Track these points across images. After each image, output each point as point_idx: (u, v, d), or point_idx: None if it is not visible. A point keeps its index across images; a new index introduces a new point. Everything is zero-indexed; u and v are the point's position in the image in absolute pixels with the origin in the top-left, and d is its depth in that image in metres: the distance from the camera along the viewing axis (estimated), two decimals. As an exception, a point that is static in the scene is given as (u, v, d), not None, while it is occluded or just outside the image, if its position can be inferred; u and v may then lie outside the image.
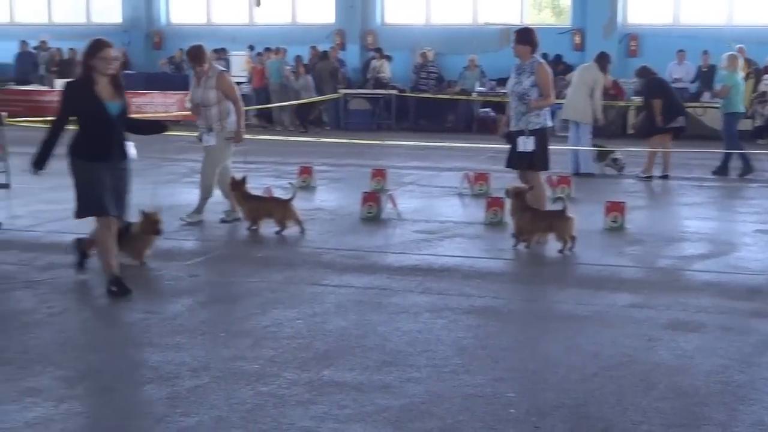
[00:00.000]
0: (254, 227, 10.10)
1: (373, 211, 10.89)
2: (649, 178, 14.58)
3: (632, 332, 6.57)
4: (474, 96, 22.95)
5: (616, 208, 10.41)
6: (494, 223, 10.37)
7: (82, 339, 6.54)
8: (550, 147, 9.97)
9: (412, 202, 12.05)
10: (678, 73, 21.97)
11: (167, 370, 5.76)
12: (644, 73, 15.31)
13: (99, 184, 7.28)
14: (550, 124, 10.03)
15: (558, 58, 22.88)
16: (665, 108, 14.70)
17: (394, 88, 23.55)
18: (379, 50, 24.59)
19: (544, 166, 9.91)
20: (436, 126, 22.64)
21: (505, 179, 10.24)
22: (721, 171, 15.08)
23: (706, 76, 22.16)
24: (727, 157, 15.09)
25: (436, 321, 6.83)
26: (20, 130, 15.43)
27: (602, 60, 15.18)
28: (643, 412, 5.10)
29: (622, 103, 21.61)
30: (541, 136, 9.70)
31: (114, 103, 7.31)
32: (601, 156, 15.17)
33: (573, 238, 9.06)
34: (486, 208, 10.66)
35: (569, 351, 6.18)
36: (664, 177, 14.65)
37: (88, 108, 7.27)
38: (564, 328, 6.75)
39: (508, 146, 9.98)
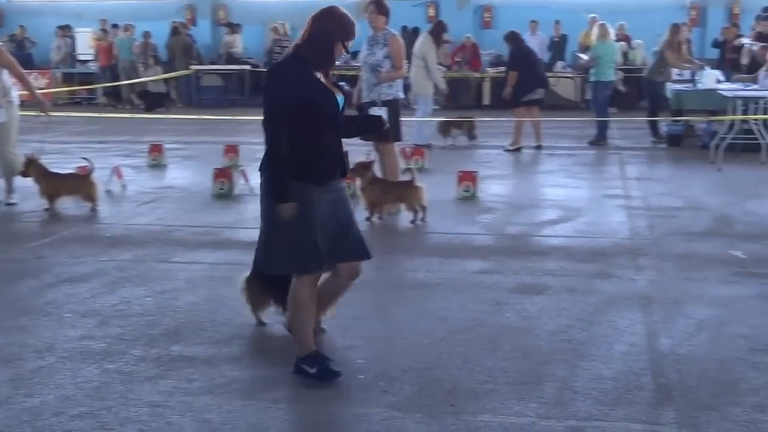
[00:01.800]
0: (49, 207, 9.84)
1: (225, 187, 10.77)
2: (518, 149, 14.84)
3: (481, 297, 6.72)
4: (331, 70, 22.90)
5: (468, 178, 10.60)
6: (349, 196, 10.38)
7: None
8: (403, 119, 10.06)
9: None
10: (531, 43, 22.30)
11: (9, 352, 5.58)
12: (510, 39, 15.42)
13: (318, 220, 5.06)
14: (402, 95, 10.11)
15: (416, 30, 23.03)
16: (526, 79, 14.99)
17: (247, 63, 23.28)
18: (230, 25, 24.26)
19: (397, 137, 9.99)
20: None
21: (359, 152, 10.26)
22: (599, 140, 15.43)
23: (558, 45, 22.70)
24: (601, 126, 15.46)
25: (288, 293, 6.81)
26: None
27: (436, 30, 15.19)
28: (489, 372, 5.23)
29: (477, 75, 21.94)
30: (393, 107, 9.77)
31: (339, 96, 5.10)
32: (445, 128, 15.33)
33: (424, 208, 9.19)
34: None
35: (419, 317, 6.27)
36: (538, 147, 14.97)
37: (318, 103, 5.01)
38: (414, 295, 6.84)
39: (361, 118, 10.01)
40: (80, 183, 9.95)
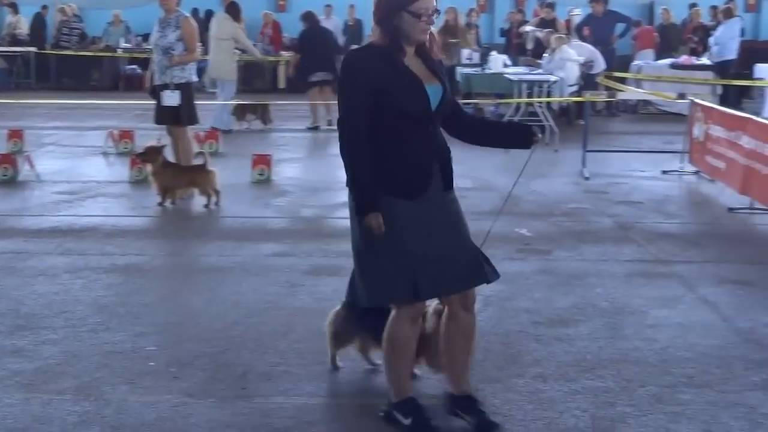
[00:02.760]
0: None
1: (8, 173, 10.30)
2: (316, 128, 15.11)
3: (274, 280, 6.72)
4: (119, 53, 22.26)
5: (262, 161, 10.57)
6: (139, 181, 10.15)
7: None
8: (198, 102, 9.90)
9: (53, 163, 11.54)
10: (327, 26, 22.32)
11: None
12: (305, 18, 15.50)
13: (413, 240, 4.16)
14: (195, 78, 9.94)
15: (210, 13, 22.64)
16: (313, 60, 15.06)
17: (29, 44, 22.28)
18: (13, 5, 23.16)
19: (190, 121, 9.82)
20: (80, 84, 21.62)
21: (152, 136, 10.04)
22: None
23: (353, 30, 22.86)
24: None
25: (75, 281, 6.61)
26: None
27: (233, 9, 14.87)
28: (282, 355, 5.25)
29: (272, 58, 21.80)
30: (187, 90, 9.60)
31: (433, 86, 4.19)
32: (240, 112, 15.20)
33: (217, 192, 9.09)
34: (130, 166, 10.42)
35: (212, 302, 6.22)
36: (315, 128, 15.16)
37: (398, 96, 4.11)
38: (207, 280, 6.77)
39: (155, 102, 9.79)
40: None
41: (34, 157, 10.75)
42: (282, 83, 21.61)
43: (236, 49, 14.97)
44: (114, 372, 5.00)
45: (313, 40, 15.34)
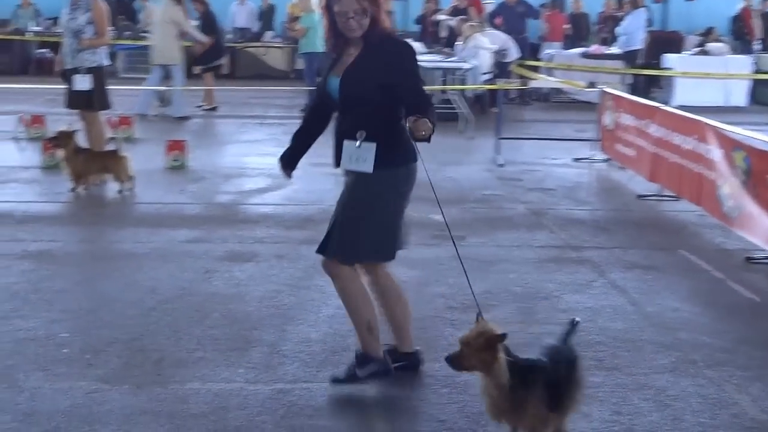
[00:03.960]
0: None
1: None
2: (214, 109, 15.33)
3: (190, 266, 6.70)
4: (29, 36, 21.73)
5: (177, 147, 10.48)
6: (51, 167, 9.98)
7: None
8: (111, 87, 9.77)
9: (-40, 149, 11.28)
10: (240, 13, 22.16)
11: None
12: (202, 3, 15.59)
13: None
14: (106, 62, 9.80)
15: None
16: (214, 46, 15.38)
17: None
18: None
19: (102, 106, 9.70)
20: (-13, 68, 21.09)
21: (64, 121, 9.87)
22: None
23: (266, 15, 22.70)
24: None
25: (-14, 268, 6.50)
26: None
27: None
28: (198, 340, 5.25)
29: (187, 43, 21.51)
30: (98, 74, 9.47)
31: (335, 78, 4.57)
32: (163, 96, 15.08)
33: (130, 178, 9.00)
34: (42, 151, 10.23)
35: (127, 288, 6.18)
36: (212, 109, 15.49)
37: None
38: (122, 266, 6.71)
39: (66, 86, 9.63)
40: None
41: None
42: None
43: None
44: (27, 359, 4.94)
45: (214, 26, 15.49)
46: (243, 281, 6.35)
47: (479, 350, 3.71)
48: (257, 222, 8.09)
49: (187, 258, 6.90)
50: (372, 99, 4.45)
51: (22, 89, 16.17)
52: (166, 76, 14.67)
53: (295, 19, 17.84)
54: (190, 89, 14.90)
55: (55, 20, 20.98)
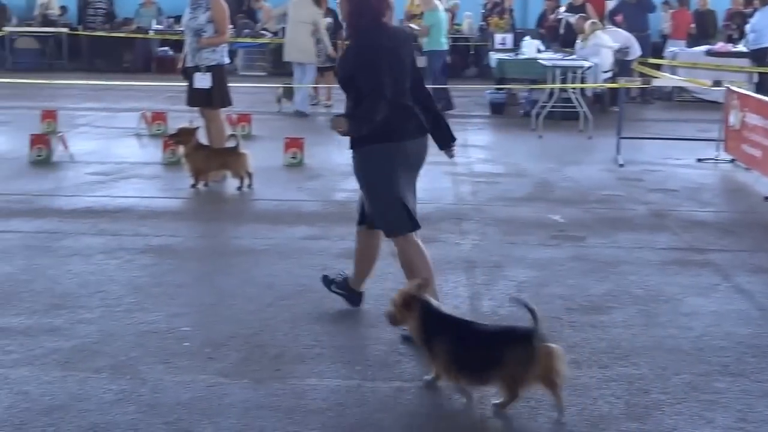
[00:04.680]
0: None
1: (42, 154, 10.37)
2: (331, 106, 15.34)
3: (307, 263, 6.72)
4: (151, 34, 22.30)
5: (295, 145, 10.56)
6: (172, 163, 10.19)
7: None
8: (232, 85, 9.90)
9: (86, 144, 11.61)
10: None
11: None
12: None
13: None
14: (226, 61, 9.92)
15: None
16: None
17: (65, 26, 22.40)
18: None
19: (223, 103, 9.82)
20: (112, 66, 21.69)
21: (184, 118, 10.07)
22: (445, 108, 15.42)
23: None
24: (444, 94, 15.31)
25: (110, 262, 6.65)
26: None
27: None
28: (315, 337, 5.25)
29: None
30: (218, 72, 9.59)
31: None
32: (288, 94, 15.23)
33: (249, 174, 9.11)
34: (163, 147, 10.46)
35: (245, 284, 6.23)
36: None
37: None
38: (241, 262, 6.78)
39: (187, 84, 9.80)
40: None
41: (67, 138, 10.81)
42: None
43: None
44: (149, 351, 5.02)
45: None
46: (352, 277, 6.34)
47: (400, 307, 4.50)
48: (373, 220, 8.06)
49: (304, 255, 6.93)
50: (345, 85, 5.21)
51: (144, 86, 16.60)
52: (296, 72, 14.84)
53: (413, 16, 17.80)
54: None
55: (176, 19, 21.48)
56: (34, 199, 8.65)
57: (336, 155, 11.61)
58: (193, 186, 9.14)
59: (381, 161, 5.19)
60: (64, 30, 22.19)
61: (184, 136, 9.12)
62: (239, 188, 9.11)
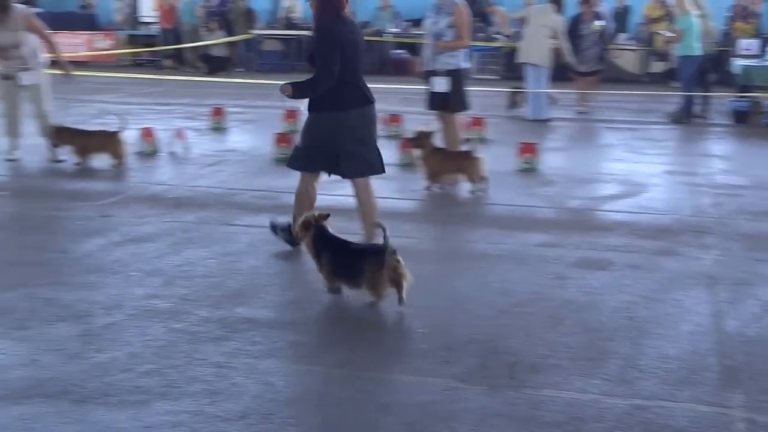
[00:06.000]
0: (80, 161, 10.37)
1: (285, 152, 10.80)
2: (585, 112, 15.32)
3: (542, 270, 6.68)
4: (387, 37, 22.78)
5: (529, 150, 10.52)
6: (407, 165, 10.37)
7: (-7, 278, 6.38)
8: (469, 89, 9.97)
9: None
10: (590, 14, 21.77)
11: (80, 308, 5.70)
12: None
13: None
14: (465, 65, 9.99)
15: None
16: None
17: (308, 29, 23.25)
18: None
19: (460, 108, 9.90)
20: (350, 68, 22.29)
21: (419, 121, 10.24)
22: (682, 115, 14.92)
23: (621, 17, 22.25)
24: (686, 102, 15.00)
25: (348, 260, 6.84)
26: None
27: (557, 1, 14.79)
28: (551, 347, 5.20)
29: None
30: (456, 77, 9.68)
31: None
32: (511, 99, 15.21)
33: (483, 179, 9.14)
34: (399, 149, 10.66)
35: (480, 289, 6.26)
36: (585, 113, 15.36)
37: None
38: (475, 266, 6.82)
39: (426, 87, 9.95)
40: (108, 140, 10.28)
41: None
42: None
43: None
44: (386, 350, 5.14)
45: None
46: (597, 289, 6.23)
47: (301, 228, 6.03)
48: (610, 229, 7.92)
49: (539, 262, 6.89)
50: (310, 61, 6.74)
51: (379, 88, 16.93)
52: (528, 77, 14.79)
53: (652, 21, 17.33)
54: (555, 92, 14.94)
55: (413, 22, 21.88)
56: (276, 195, 9.01)
57: (570, 161, 11.51)
58: (428, 188, 9.27)
59: (324, 124, 6.65)
60: (307, 33, 23.00)
61: (422, 139, 9.27)
62: (473, 192, 9.16)
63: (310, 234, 5.96)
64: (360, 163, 6.80)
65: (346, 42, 6.54)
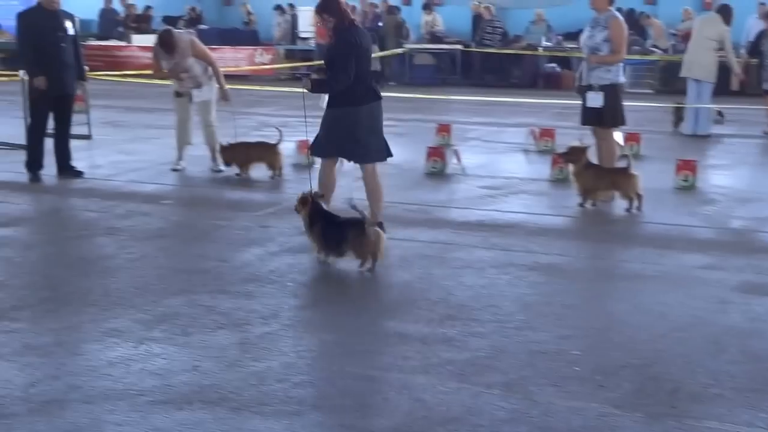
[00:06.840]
0: (241, 173, 10.65)
1: (437, 166, 10.83)
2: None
3: (702, 294, 6.45)
4: (540, 51, 22.60)
5: (687, 167, 10.20)
6: (560, 180, 10.23)
7: (159, 284, 6.56)
8: (626, 104, 9.75)
9: (476, 158, 11.95)
10: (757, 28, 20.96)
11: (238, 317, 5.83)
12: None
13: None
14: (621, 80, 9.75)
15: (632, 12, 22.34)
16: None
17: (458, 43, 23.32)
18: (427, 5, 24.38)
19: (615, 123, 9.68)
20: (501, 81, 22.28)
21: (572, 135, 10.08)
22: None
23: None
24: None
25: (501, 277, 6.77)
26: (100, 83, 15.77)
27: (725, 12, 14.27)
28: (713, 375, 5.00)
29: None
30: (612, 92, 9.48)
31: None
32: (679, 113, 14.78)
33: (639, 196, 8.91)
34: (551, 164, 10.52)
35: (635, 311, 6.09)
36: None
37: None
38: (630, 287, 6.64)
39: (581, 102, 9.79)
40: (266, 151, 10.55)
41: (461, 152, 11.19)
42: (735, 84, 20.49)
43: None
44: (539, 372, 5.04)
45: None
46: (761, 316, 5.96)
47: (299, 203, 7.11)
48: (776, 252, 7.59)
49: (698, 285, 6.66)
50: (327, 64, 7.70)
51: (531, 102, 16.82)
52: (689, 91, 14.36)
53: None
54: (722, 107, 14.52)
55: (566, 36, 21.63)
56: (429, 209, 9.04)
57: (733, 180, 11.10)
58: (581, 205, 9.10)
59: (341, 118, 7.61)
60: (458, 47, 23.09)
61: (575, 154, 9.11)
62: (628, 210, 8.94)
63: (307, 209, 7.01)
64: (369, 151, 7.78)
65: (359, 48, 7.53)
